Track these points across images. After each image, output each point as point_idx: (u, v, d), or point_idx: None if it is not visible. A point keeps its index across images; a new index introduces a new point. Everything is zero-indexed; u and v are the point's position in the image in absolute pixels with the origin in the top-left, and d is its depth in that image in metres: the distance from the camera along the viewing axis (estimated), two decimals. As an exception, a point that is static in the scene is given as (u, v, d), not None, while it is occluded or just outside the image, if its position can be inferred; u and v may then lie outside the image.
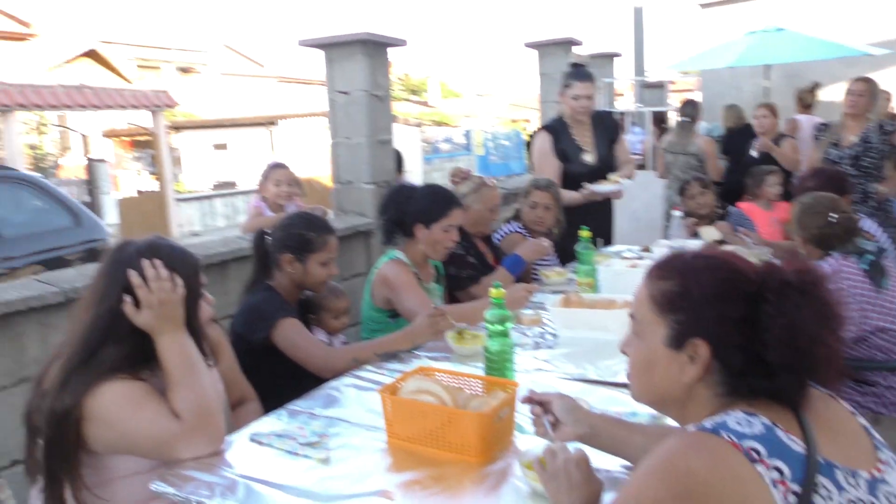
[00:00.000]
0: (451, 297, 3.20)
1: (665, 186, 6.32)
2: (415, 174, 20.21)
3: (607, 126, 4.21)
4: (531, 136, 4.23)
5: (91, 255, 5.82)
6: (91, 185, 11.24)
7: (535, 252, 3.27)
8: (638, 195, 7.54)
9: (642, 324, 1.22)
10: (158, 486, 1.55)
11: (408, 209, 2.83)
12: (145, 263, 1.70)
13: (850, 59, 8.67)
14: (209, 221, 13.73)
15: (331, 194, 4.29)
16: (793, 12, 9.31)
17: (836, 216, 2.78)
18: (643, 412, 1.84)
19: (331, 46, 4.03)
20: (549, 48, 6.44)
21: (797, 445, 1.03)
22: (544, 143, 4.08)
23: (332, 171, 4.24)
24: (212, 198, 13.98)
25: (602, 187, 3.90)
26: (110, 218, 11.28)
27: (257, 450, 1.71)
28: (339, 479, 1.55)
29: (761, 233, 4.08)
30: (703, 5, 10.16)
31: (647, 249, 3.92)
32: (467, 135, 23.74)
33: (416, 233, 2.83)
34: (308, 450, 1.68)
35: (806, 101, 7.15)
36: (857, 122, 4.66)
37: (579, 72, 4.07)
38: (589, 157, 4.08)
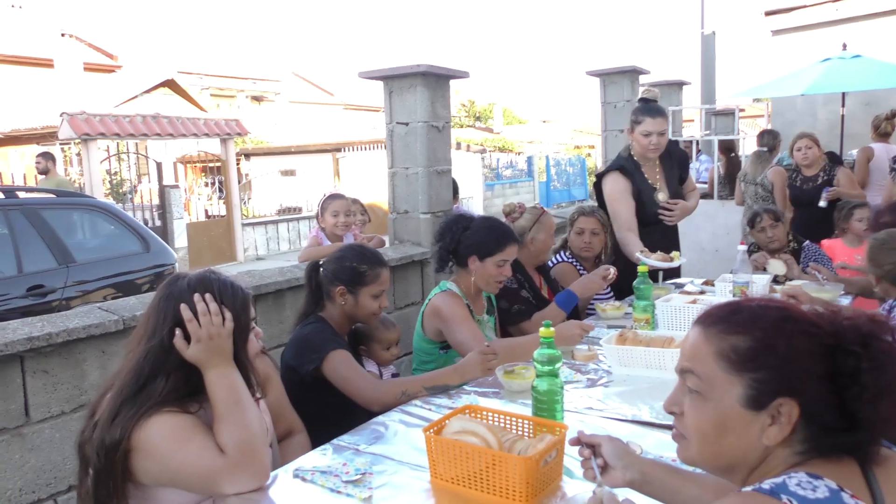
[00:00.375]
0: (503, 331, 3.16)
1: (741, 216, 6.16)
2: (476, 200, 20.31)
3: (676, 158, 4.01)
4: (597, 178, 4.01)
5: (158, 279, 6.02)
6: (164, 210, 11.66)
7: (589, 288, 3.20)
8: (703, 225, 7.36)
9: (708, 383, 1.12)
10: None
11: (463, 239, 2.82)
12: (196, 297, 1.73)
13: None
14: (273, 246, 14.05)
15: (388, 222, 4.32)
16: (866, 38, 8.97)
17: None
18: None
19: (391, 79, 4.08)
20: (612, 77, 6.39)
21: None
22: (618, 183, 3.77)
23: (389, 200, 4.27)
24: (277, 223, 14.30)
25: (657, 263, 3.45)
26: (180, 241, 11.67)
27: (300, 486, 1.70)
28: (379, 521, 1.52)
29: (840, 270, 3.90)
30: (775, 32, 9.91)
31: (710, 283, 3.79)
32: (529, 161, 23.71)
33: (470, 264, 2.81)
34: (351, 488, 1.66)
35: (883, 130, 6.84)
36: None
37: (650, 107, 3.80)
38: (661, 196, 3.87)
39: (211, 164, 14.42)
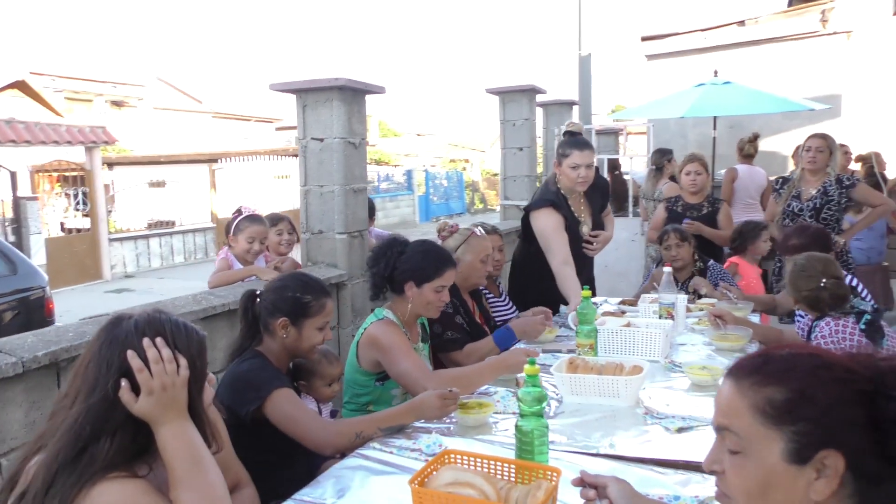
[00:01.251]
0: (433, 357, 3.05)
1: (642, 233, 6.38)
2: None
3: (599, 188, 3.98)
4: (526, 211, 3.96)
5: (24, 305, 5.40)
6: (18, 224, 10.61)
7: (530, 333, 3.14)
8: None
9: (747, 439, 1.08)
10: None
11: (399, 265, 2.68)
12: (146, 342, 1.50)
13: (789, 112, 9.05)
14: (144, 262, 13.16)
15: (301, 243, 4.09)
16: (733, 66, 9.65)
17: (826, 282, 2.77)
18: (687, 496, 1.73)
19: (305, 92, 3.88)
20: (512, 95, 6.45)
21: None
22: (552, 218, 3.72)
23: (302, 219, 4.05)
24: (147, 237, 13.41)
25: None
26: (38, 258, 10.66)
27: (274, 555, 1.51)
28: None
29: (745, 287, 4.09)
30: (650, 56, 10.46)
31: (629, 303, 3.86)
32: (409, 174, 23.75)
33: (406, 291, 2.67)
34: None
35: (747, 152, 7.36)
36: (816, 177, 4.77)
37: (577, 140, 3.79)
38: (585, 228, 3.88)
39: (68, 174, 13.29)
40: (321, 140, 3.91)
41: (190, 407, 1.55)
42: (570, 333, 3.38)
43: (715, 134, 8.57)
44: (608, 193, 4.15)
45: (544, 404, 1.75)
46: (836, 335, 2.63)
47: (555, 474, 1.62)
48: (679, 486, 1.80)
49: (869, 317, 2.66)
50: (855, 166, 7.44)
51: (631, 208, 7.52)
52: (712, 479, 1.80)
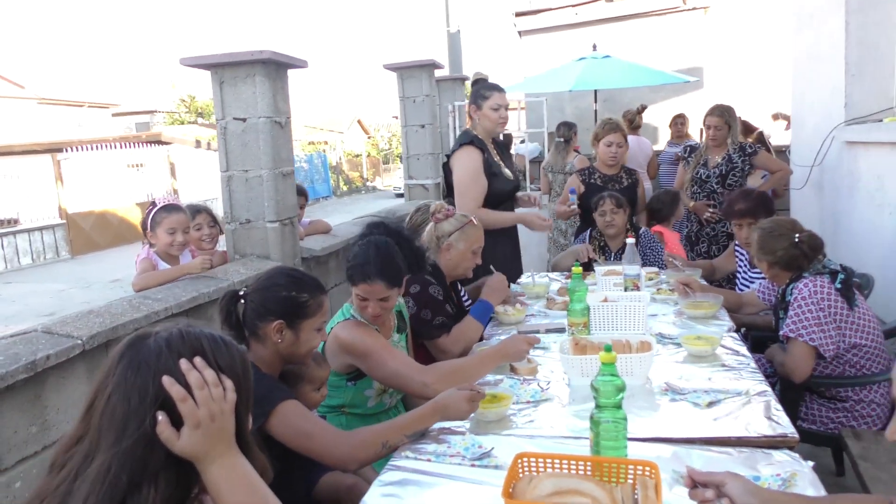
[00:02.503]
0: (417, 344, 2.86)
1: (546, 205, 6.38)
2: (220, 202, 18.99)
3: (501, 143, 3.97)
4: (448, 156, 3.84)
5: None
6: None
7: (501, 296, 3.03)
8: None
9: None
10: None
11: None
12: (184, 365, 1.21)
13: (655, 86, 9.48)
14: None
15: (226, 235, 3.69)
16: (604, 41, 9.95)
17: (799, 236, 2.83)
18: (766, 475, 1.66)
19: (223, 66, 3.47)
20: (411, 70, 6.24)
21: None
22: (475, 160, 3.61)
23: (225, 208, 3.66)
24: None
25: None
26: None
27: None
28: None
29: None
30: (523, 32, 10.57)
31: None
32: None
33: None
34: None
35: (636, 123, 7.60)
36: (720, 147, 4.96)
37: (493, 84, 3.79)
38: (508, 173, 3.83)
39: None
40: (244, 120, 3.53)
41: (237, 436, 1.28)
42: (534, 310, 3.29)
43: (596, 107, 8.82)
44: (508, 146, 4.17)
45: (623, 394, 1.61)
46: (816, 295, 2.69)
47: (652, 469, 1.49)
48: (746, 465, 1.73)
49: (843, 276, 2.75)
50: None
51: (528, 183, 7.57)
52: (781, 455, 1.77)
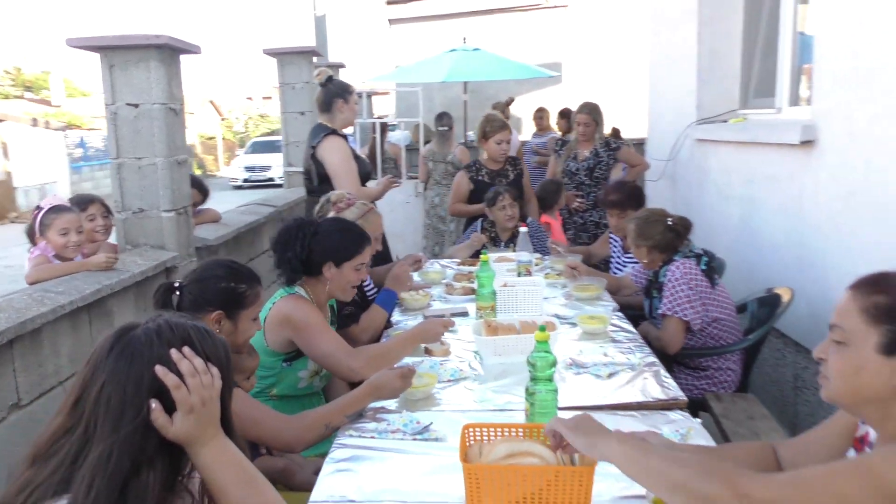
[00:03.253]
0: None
1: (422, 192, 6.57)
2: (62, 185, 17.65)
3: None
4: (312, 149, 4.02)
5: None
6: None
7: (403, 284, 3.19)
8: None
9: (850, 333, 1.33)
10: None
11: (315, 246, 2.53)
12: (174, 354, 1.29)
13: (520, 79, 9.93)
14: None
15: (118, 225, 3.57)
16: (473, 33, 10.28)
17: (671, 219, 3.21)
18: (668, 432, 1.94)
19: (113, 50, 3.36)
20: (290, 57, 6.21)
21: None
22: (345, 147, 4.02)
23: (115, 196, 3.54)
24: None
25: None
26: None
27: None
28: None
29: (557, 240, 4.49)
30: (392, 21, 10.68)
31: (471, 263, 4.02)
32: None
33: (325, 272, 2.54)
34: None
35: (506, 115, 7.99)
36: (588, 142, 5.38)
37: (348, 84, 4.23)
38: (364, 157, 4.25)
39: None
40: (136, 106, 3.43)
41: (222, 420, 1.37)
42: (434, 295, 3.47)
43: (466, 97, 9.13)
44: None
45: (555, 368, 1.83)
46: (686, 276, 3.07)
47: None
48: (648, 425, 2.01)
49: (706, 258, 3.15)
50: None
51: (404, 171, 7.73)
52: (675, 415, 2.07)
